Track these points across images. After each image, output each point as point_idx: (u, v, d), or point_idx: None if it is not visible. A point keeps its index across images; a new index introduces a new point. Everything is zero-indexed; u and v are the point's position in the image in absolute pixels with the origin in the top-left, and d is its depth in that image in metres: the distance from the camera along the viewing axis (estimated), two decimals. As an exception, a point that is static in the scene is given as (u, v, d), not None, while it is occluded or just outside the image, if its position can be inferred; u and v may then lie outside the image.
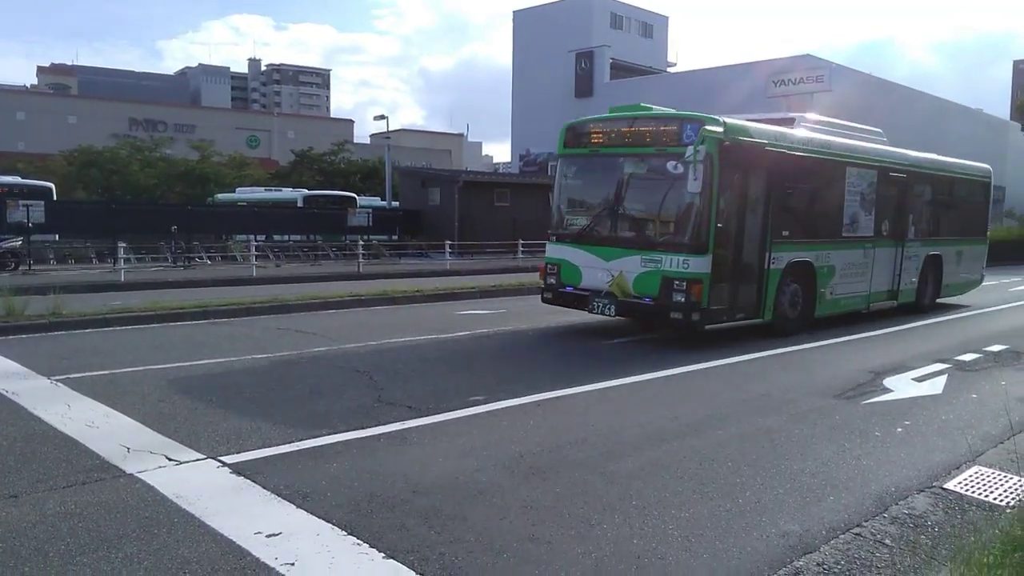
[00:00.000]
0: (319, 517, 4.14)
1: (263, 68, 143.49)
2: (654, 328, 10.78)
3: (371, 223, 30.84)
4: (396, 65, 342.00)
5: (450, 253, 24.93)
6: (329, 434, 5.66)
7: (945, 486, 4.80)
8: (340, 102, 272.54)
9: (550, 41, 55.04)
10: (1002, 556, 3.45)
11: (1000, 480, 4.91)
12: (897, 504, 4.50)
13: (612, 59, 53.58)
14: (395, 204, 37.17)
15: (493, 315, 11.63)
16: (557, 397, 7.05)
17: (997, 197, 49.52)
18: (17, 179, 28.07)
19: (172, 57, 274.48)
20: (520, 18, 61.03)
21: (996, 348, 10.32)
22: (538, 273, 11.48)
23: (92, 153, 42.85)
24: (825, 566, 3.64)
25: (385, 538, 3.90)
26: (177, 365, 8.15)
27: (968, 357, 9.60)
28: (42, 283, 14.61)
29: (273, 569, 3.55)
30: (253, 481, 4.67)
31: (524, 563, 3.69)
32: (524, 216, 28.71)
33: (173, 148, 49.37)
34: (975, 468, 5.15)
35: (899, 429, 6.26)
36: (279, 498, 4.41)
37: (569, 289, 10.58)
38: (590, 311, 10.28)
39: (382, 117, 40.62)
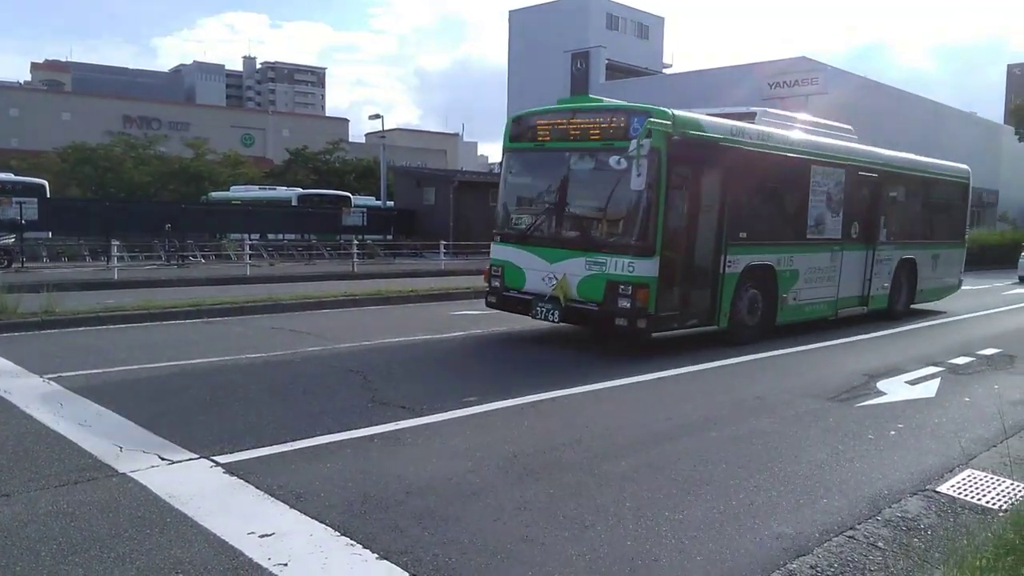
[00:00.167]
0: (312, 517, 4.13)
1: (258, 66, 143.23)
2: (605, 335, 10.16)
3: (366, 223, 30.79)
4: (392, 64, 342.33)
5: (445, 253, 24.93)
6: (323, 434, 5.64)
7: (938, 489, 4.82)
8: (335, 101, 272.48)
9: (546, 41, 55.06)
10: (995, 559, 3.46)
11: (993, 483, 4.93)
12: (890, 507, 4.51)
13: (608, 60, 53.61)
14: (390, 204, 37.14)
15: (487, 315, 11.61)
16: (551, 398, 7.05)
17: (990, 201, 50.03)
18: (10, 176, 27.90)
19: (167, 54, 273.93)
20: (516, 18, 61.06)
21: (989, 352, 10.37)
22: (483, 276, 10.99)
23: (86, 150, 42.72)
24: (818, 568, 3.64)
25: (378, 539, 3.90)
26: (170, 364, 8.12)
27: (961, 360, 9.63)
28: (35, 281, 14.53)
29: (266, 569, 3.54)
30: (246, 481, 4.65)
31: (518, 564, 3.69)
32: (519, 216, 28.60)
33: (167, 146, 49.33)
34: (968, 471, 5.16)
35: (892, 432, 6.28)
36: (272, 498, 4.39)
37: (513, 293, 10.00)
38: (533, 316, 9.70)
39: (377, 116, 40.59)
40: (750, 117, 11.12)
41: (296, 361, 8.56)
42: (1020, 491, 4.78)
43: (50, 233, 23.70)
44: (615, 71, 54.35)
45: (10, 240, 20.44)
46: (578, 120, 9.64)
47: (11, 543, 3.75)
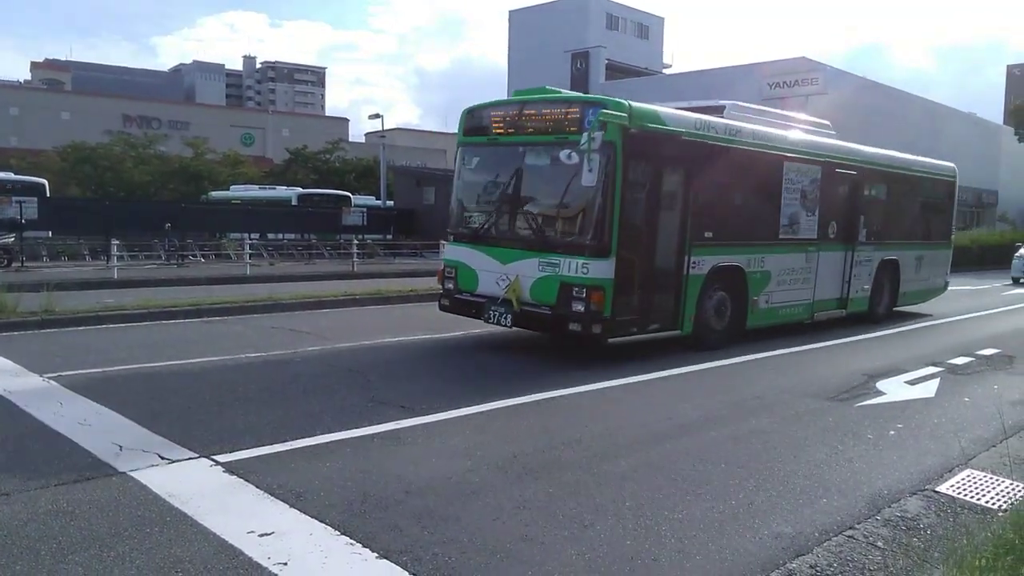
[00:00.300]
0: (312, 517, 4.13)
1: (258, 65, 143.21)
2: (559, 338, 9.66)
3: (366, 222, 30.79)
4: (391, 63, 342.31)
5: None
6: (322, 433, 5.65)
7: (937, 489, 4.82)
8: (335, 100, 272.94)
9: (546, 41, 55.06)
10: (994, 559, 3.47)
11: (992, 483, 4.93)
12: (890, 506, 4.52)
13: (608, 60, 53.64)
14: (390, 203, 37.14)
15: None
16: (551, 397, 7.05)
17: (989, 201, 50.06)
18: (10, 175, 27.91)
19: (167, 53, 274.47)
20: (516, 18, 61.06)
21: (988, 352, 10.37)
22: (436, 277, 10.45)
23: (86, 149, 42.63)
24: (818, 568, 3.65)
25: (378, 538, 3.90)
26: (170, 363, 8.12)
27: (961, 361, 9.63)
28: (35, 280, 14.53)
29: (266, 569, 3.55)
30: (246, 480, 4.65)
31: (517, 563, 3.69)
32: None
33: (167, 145, 49.22)
34: (967, 471, 5.17)
35: (892, 432, 6.28)
36: (272, 497, 4.39)
37: (466, 295, 9.50)
38: (486, 320, 9.21)
39: (377, 116, 40.59)
40: (719, 111, 10.63)
41: (296, 360, 8.56)
42: (1019, 491, 4.78)
43: (50, 232, 23.70)
44: (615, 71, 54.38)
45: (10, 239, 20.43)
46: (532, 112, 9.15)
47: (11, 542, 3.75)
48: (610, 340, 8.89)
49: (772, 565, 3.73)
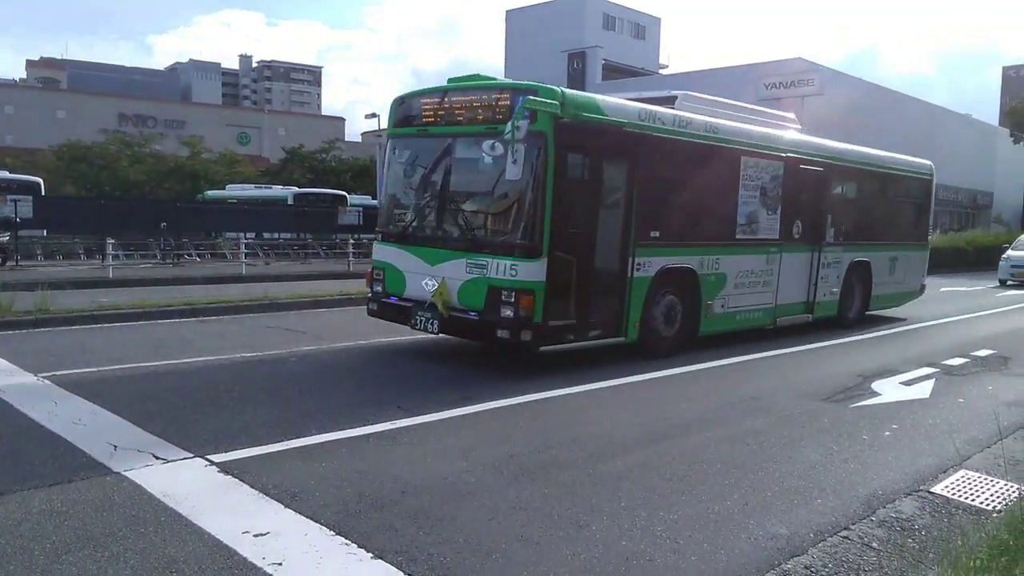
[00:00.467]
0: (307, 517, 4.13)
1: (254, 65, 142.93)
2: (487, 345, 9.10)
3: (362, 222, 30.65)
4: (388, 63, 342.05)
5: (441, 252, 24.81)
6: (318, 433, 5.64)
7: (932, 490, 4.83)
8: (331, 99, 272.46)
9: (542, 41, 55.14)
10: (989, 560, 3.47)
11: (987, 484, 4.94)
12: (884, 507, 4.53)
13: (604, 60, 53.73)
14: (386, 203, 36.99)
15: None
16: (547, 398, 7.05)
17: (985, 202, 50.22)
18: (5, 174, 27.80)
19: (163, 52, 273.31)
20: (513, 18, 61.16)
21: (983, 353, 10.40)
22: (364, 280, 9.91)
23: (81, 148, 42.54)
24: (813, 569, 3.65)
25: (374, 538, 3.89)
26: (165, 363, 8.10)
27: (956, 361, 9.66)
28: (29, 279, 14.49)
29: (260, 569, 3.54)
30: (241, 480, 4.65)
31: (513, 564, 3.69)
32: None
33: (163, 144, 49.08)
34: (962, 472, 5.18)
35: (887, 432, 6.29)
36: (267, 497, 4.38)
37: (393, 299, 8.90)
38: (413, 327, 8.52)
39: (373, 115, 40.39)
40: (670, 101, 9.97)
41: (291, 360, 8.55)
42: (1014, 492, 4.79)
43: (45, 231, 23.59)
44: (612, 71, 54.46)
45: (5, 238, 20.35)
46: (463, 100, 8.47)
47: (4, 542, 3.74)
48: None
49: (767, 566, 3.74)
